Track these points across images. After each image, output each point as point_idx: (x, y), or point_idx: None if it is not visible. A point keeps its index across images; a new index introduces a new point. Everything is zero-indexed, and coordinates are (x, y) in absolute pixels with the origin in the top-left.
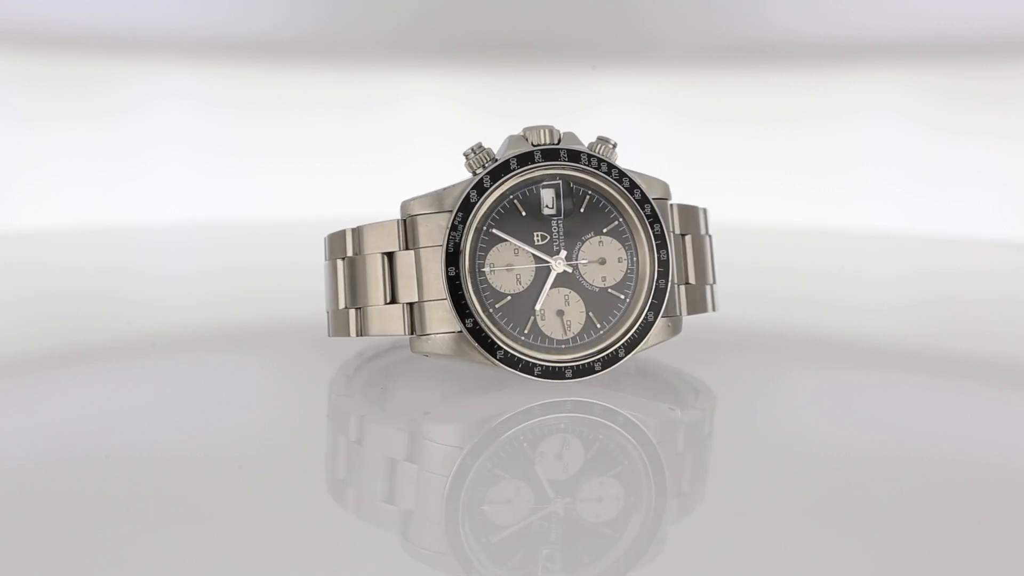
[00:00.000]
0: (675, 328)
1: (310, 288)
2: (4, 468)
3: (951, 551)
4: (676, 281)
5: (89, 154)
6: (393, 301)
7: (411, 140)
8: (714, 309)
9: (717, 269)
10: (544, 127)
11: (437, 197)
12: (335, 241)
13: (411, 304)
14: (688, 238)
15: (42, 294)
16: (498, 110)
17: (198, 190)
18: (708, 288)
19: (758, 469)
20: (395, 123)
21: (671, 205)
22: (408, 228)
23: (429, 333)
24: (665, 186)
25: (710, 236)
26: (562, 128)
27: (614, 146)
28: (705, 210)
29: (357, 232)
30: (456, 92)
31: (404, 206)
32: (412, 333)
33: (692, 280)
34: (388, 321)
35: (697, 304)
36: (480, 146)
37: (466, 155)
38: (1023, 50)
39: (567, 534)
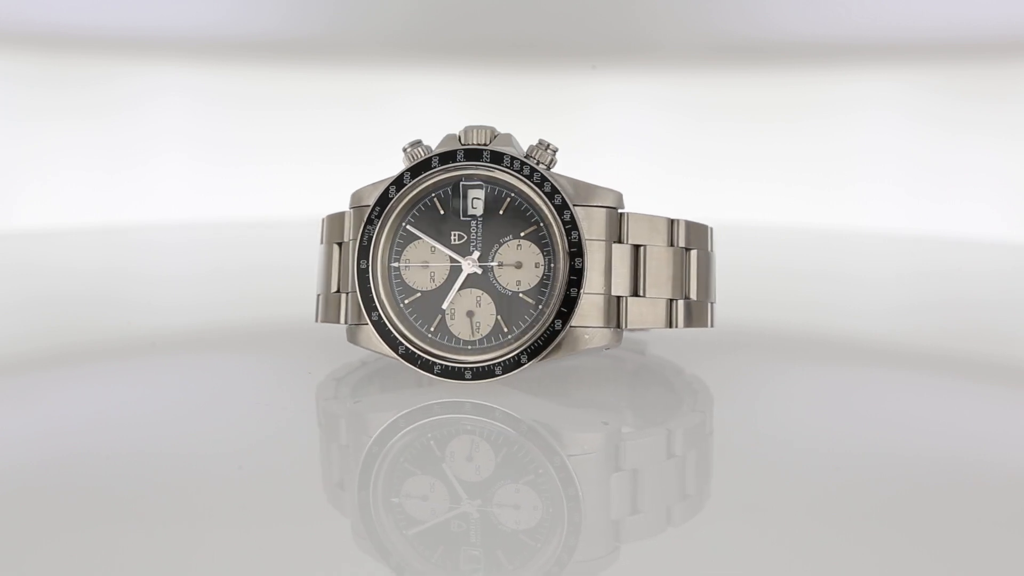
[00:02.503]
0: (613, 339)
1: (309, 288)
2: (5, 467)
3: (951, 550)
4: (619, 292)
5: (89, 154)
6: (339, 290)
7: (411, 140)
8: (679, 325)
9: (713, 276)
10: (482, 127)
11: (381, 186)
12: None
13: (347, 293)
14: (644, 249)
15: (42, 294)
16: (498, 110)
17: (198, 190)
18: (677, 303)
19: (757, 468)
20: (395, 123)
21: (624, 215)
22: (354, 218)
23: (359, 323)
24: (617, 196)
25: (691, 250)
26: (559, 129)
27: (554, 151)
28: (683, 222)
29: (326, 221)
30: (456, 92)
31: (353, 196)
32: (346, 322)
33: (644, 293)
34: (335, 309)
35: (651, 317)
36: (418, 142)
37: (404, 149)
38: (1023, 50)
39: (487, 537)
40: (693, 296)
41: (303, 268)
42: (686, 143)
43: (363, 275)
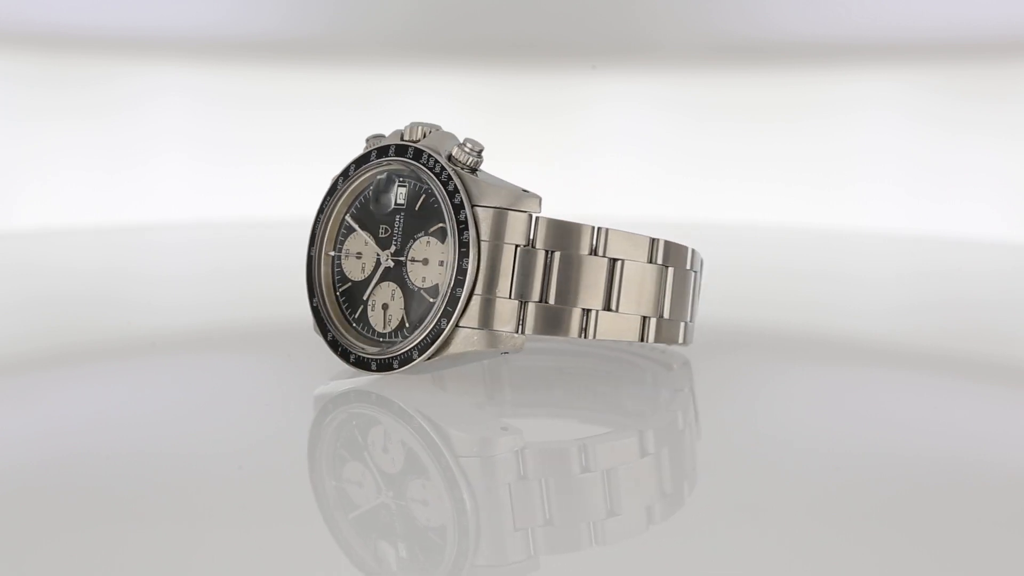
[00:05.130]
0: (513, 344)
1: None
2: (5, 467)
3: (951, 550)
4: (517, 296)
5: (89, 154)
6: None
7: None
8: (592, 336)
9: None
10: (421, 124)
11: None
12: None
13: None
14: (557, 255)
15: (42, 294)
16: (498, 110)
17: (198, 190)
18: (594, 314)
19: (757, 467)
20: (395, 123)
21: (539, 220)
22: None
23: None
24: (536, 200)
25: (619, 260)
26: (559, 129)
27: (477, 152)
28: (611, 232)
29: None
30: (456, 92)
31: (332, 181)
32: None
33: (552, 300)
34: None
35: (555, 325)
36: (378, 136)
37: (367, 140)
38: (1023, 50)
39: (407, 531)
40: (617, 308)
41: (303, 268)
42: (686, 143)
43: (309, 262)
